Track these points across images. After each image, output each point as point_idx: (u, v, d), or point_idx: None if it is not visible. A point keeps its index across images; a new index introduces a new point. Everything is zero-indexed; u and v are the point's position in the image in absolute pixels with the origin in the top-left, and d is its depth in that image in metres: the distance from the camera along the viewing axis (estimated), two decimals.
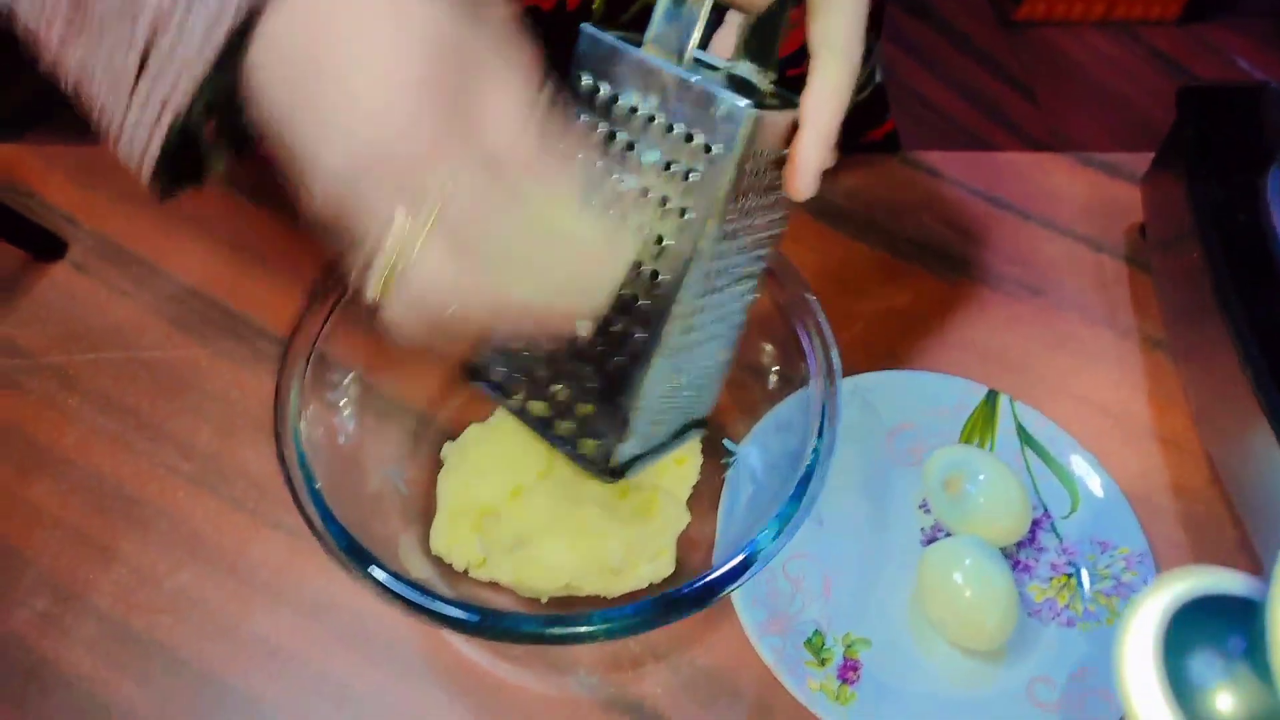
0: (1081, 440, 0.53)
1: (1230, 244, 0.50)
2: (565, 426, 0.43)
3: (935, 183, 0.66)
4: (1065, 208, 0.65)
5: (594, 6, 0.54)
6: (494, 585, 0.46)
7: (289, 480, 0.40)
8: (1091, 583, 0.49)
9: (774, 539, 0.38)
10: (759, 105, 0.34)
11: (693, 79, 0.34)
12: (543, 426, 0.43)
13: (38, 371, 0.55)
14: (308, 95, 0.30)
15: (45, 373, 0.55)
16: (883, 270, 0.61)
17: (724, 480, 0.49)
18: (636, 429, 0.41)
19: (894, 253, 0.62)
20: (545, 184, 0.31)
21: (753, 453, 0.49)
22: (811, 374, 0.44)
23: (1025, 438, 0.53)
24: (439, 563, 0.46)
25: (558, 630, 0.36)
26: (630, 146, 0.37)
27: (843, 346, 0.45)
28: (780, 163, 0.37)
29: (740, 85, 0.35)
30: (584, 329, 0.39)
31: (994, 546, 0.47)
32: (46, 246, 0.59)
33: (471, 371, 0.45)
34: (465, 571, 0.46)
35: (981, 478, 0.49)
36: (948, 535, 0.50)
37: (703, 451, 0.50)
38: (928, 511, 0.51)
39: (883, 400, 0.54)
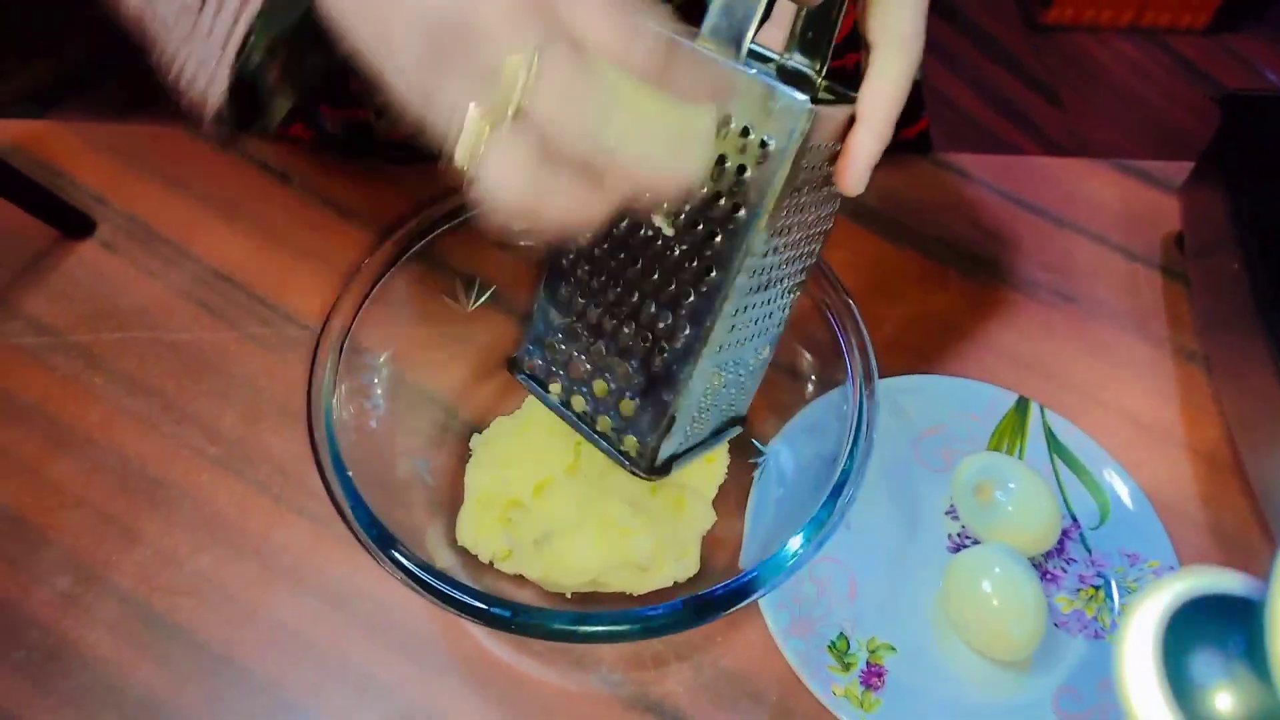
0: (1112, 450, 0.52)
1: (1272, 254, 0.49)
2: (606, 423, 0.42)
3: (967, 185, 0.65)
4: (1098, 214, 0.64)
5: None
6: (519, 578, 0.46)
7: (318, 460, 0.40)
8: (1121, 595, 0.48)
9: (806, 545, 0.38)
10: (815, 100, 0.33)
11: (751, 72, 0.34)
12: (583, 422, 0.43)
13: (64, 349, 0.55)
14: None
15: (71, 351, 0.55)
16: (914, 272, 0.61)
17: (752, 480, 0.49)
18: (679, 427, 0.41)
19: (925, 254, 0.61)
20: (631, 68, 0.29)
21: (782, 453, 0.48)
22: (848, 376, 0.44)
23: (1055, 446, 0.53)
24: (464, 554, 0.46)
25: (588, 629, 0.36)
26: None
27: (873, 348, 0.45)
28: (833, 158, 0.37)
29: (793, 78, 0.35)
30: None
31: (1023, 556, 0.47)
32: (75, 224, 0.59)
33: (512, 364, 0.45)
34: (490, 563, 0.46)
35: (1012, 486, 0.48)
36: (975, 543, 0.49)
37: (730, 450, 0.50)
38: (955, 518, 0.51)
39: (912, 404, 0.54)
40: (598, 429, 0.42)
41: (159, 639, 0.46)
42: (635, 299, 0.39)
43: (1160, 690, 0.24)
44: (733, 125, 0.35)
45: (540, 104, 0.28)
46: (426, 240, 0.47)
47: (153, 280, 0.58)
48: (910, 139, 0.71)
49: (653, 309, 0.39)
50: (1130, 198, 0.65)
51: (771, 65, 0.36)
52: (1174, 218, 0.62)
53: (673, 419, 0.39)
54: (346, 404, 0.44)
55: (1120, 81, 1.85)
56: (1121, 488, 0.51)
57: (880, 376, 0.44)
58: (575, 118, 0.29)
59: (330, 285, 0.46)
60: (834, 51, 0.37)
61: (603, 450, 0.42)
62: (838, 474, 0.40)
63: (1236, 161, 0.53)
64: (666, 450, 0.41)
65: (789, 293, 0.42)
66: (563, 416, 0.43)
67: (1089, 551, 0.50)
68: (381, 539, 0.38)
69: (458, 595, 0.36)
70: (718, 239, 0.36)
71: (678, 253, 0.37)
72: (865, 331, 0.44)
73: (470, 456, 0.49)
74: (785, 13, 0.37)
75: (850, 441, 0.41)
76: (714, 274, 0.37)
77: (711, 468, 0.49)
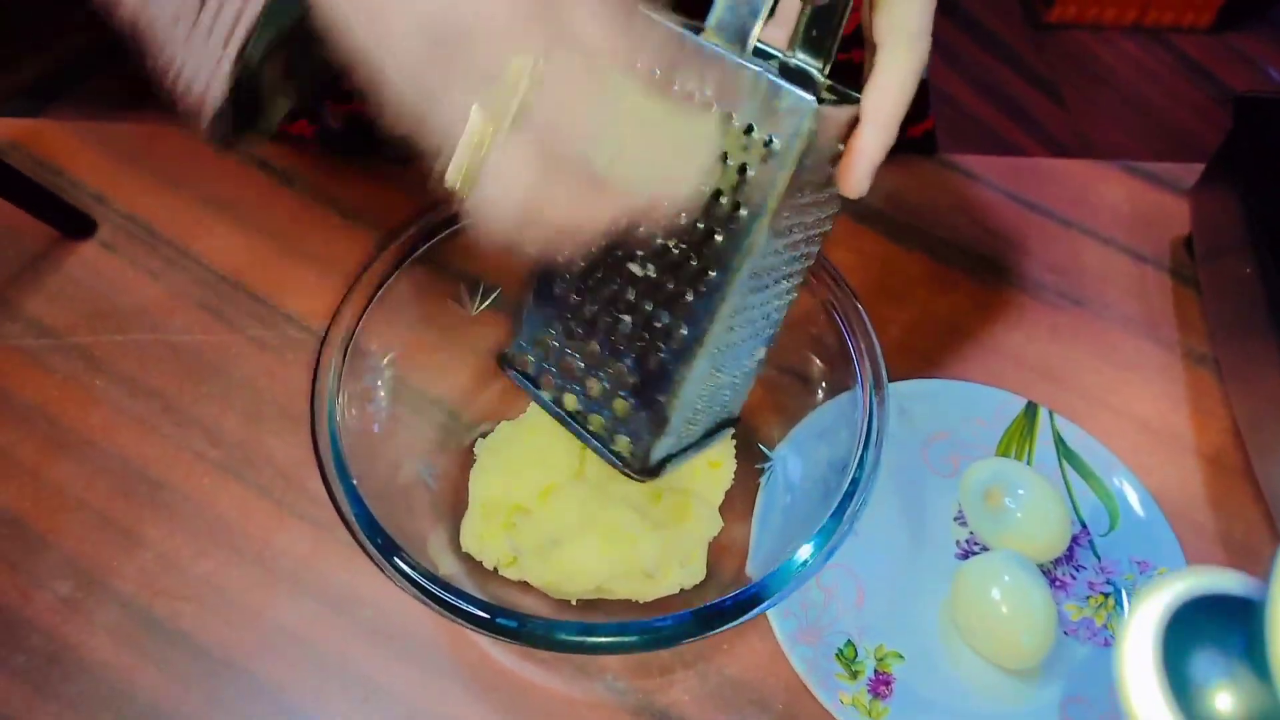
0: (1121, 455, 0.52)
1: None
2: (598, 422, 0.41)
3: (974, 186, 0.65)
4: (1106, 216, 0.64)
5: None
6: (523, 585, 0.46)
7: (321, 467, 0.40)
8: (1130, 603, 0.48)
9: (815, 555, 0.37)
10: (820, 99, 0.33)
11: (757, 69, 0.33)
12: (574, 421, 0.42)
13: (64, 351, 0.55)
14: None
15: (72, 352, 0.55)
16: (920, 275, 0.60)
17: (759, 485, 0.48)
18: (673, 428, 0.40)
19: (931, 257, 0.61)
20: (634, 74, 0.29)
21: (789, 459, 0.48)
22: (856, 381, 0.43)
23: (1064, 452, 0.52)
24: (468, 560, 0.46)
25: (596, 640, 0.35)
26: None
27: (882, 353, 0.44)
28: (835, 159, 0.36)
29: (796, 77, 0.34)
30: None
31: (1032, 563, 0.46)
32: (75, 224, 0.59)
33: (503, 360, 0.44)
34: (495, 570, 0.46)
35: (1021, 492, 0.48)
36: (983, 549, 0.49)
37: (736, 456, 0.49)
38: (963, 524, 0.50)
39: (919, 409, 0.53)
40: (590, 428, 0.41)
41: (160, 644, 0.46)
42: (631, 296, 0.38)
43: (1160, 690, 0.24)
44: (736, 123, 0.34)
45: (542, 109, 0.27)
46: (430, 243, 0.46)
47: (153, 281, 0.57)
48: (915, 138, 0.71)
49: (649, 307, 0.38)
50: (1139, 200, 0.64)
51: (775, 63, 0.35)
52: (1183, 220, 0.61)
53: (667, 420, 0.39)
54: (349, 408, 0.43)
55: (1123, 80, 1.84)
56: (1131, 494, 0.51)
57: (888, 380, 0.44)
58: (577, 124, 0.28)
59: (332, 287, 0.45)
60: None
61: (594, 450, 0.41)
62: (847, 482, 0.39)
63: (1248, 164, 0.53)
64: (659, 452, 0.40)
65: (786, 294, 0.41)
66: (554, 415, 0.42)
67: (1098, 558, 0.49)
68: (385, 547, 0.38)
69: (463, 605, 0.36)
70: (718, 238, 0.36)
71: (676, 251, 0.37)
72: (874, 336, 0.44)
73: (474, 461, 0.49)
74: (790, 11, 0.36)
75: (860, 449, 0.40)
76: (713, 274, 0.36)
77: (718, 473, 0.48)
